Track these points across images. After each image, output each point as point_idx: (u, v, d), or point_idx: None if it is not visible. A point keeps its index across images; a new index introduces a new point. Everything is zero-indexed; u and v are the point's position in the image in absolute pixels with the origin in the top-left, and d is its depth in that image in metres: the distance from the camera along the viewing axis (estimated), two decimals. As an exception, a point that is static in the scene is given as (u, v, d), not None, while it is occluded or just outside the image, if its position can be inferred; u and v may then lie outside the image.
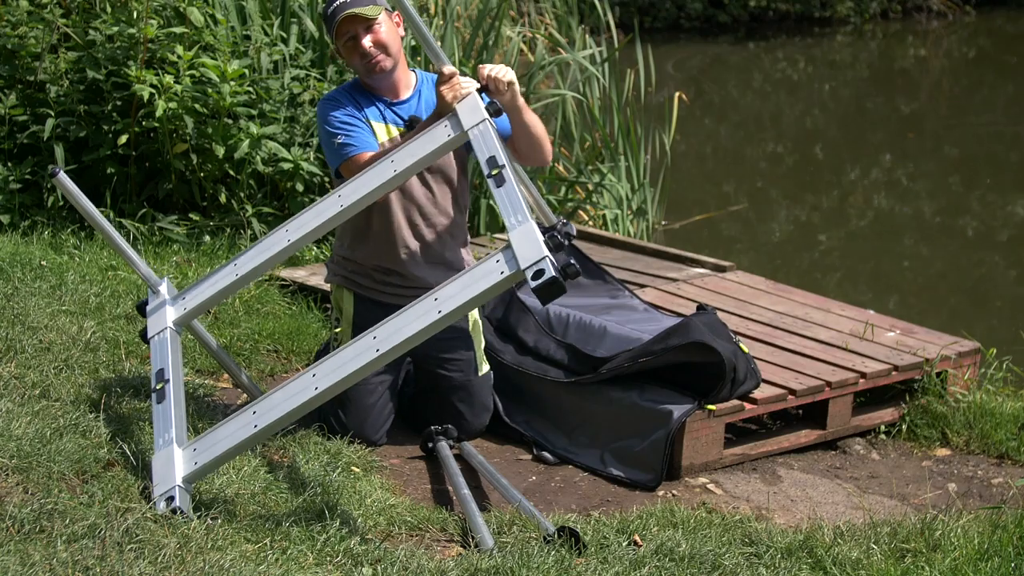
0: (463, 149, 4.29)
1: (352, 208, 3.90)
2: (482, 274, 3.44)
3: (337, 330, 4.38)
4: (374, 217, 4.24)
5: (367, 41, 4.13)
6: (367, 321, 4.22)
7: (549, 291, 3.31)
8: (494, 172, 3.66)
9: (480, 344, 4.40)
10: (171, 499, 3.36)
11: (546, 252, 3.34)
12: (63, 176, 3.90)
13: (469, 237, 4.58)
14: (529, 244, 3.38)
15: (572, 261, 3.38)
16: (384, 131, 4.24)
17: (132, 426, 3.82)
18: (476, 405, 4.35)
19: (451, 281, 3.47)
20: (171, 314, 3.97)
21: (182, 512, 3.31)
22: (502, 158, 3.70)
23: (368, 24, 4.12)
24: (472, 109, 3.93)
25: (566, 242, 3.49)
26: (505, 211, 3.54)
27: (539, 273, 3.31)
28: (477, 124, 3.86)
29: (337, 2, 4.13)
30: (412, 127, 4.21)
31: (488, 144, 3.79)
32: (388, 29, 4.17)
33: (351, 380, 3.46)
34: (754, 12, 19.50)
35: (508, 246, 3.42)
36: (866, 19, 19.91)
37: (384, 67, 4.18)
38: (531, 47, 8.84)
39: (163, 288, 4.06)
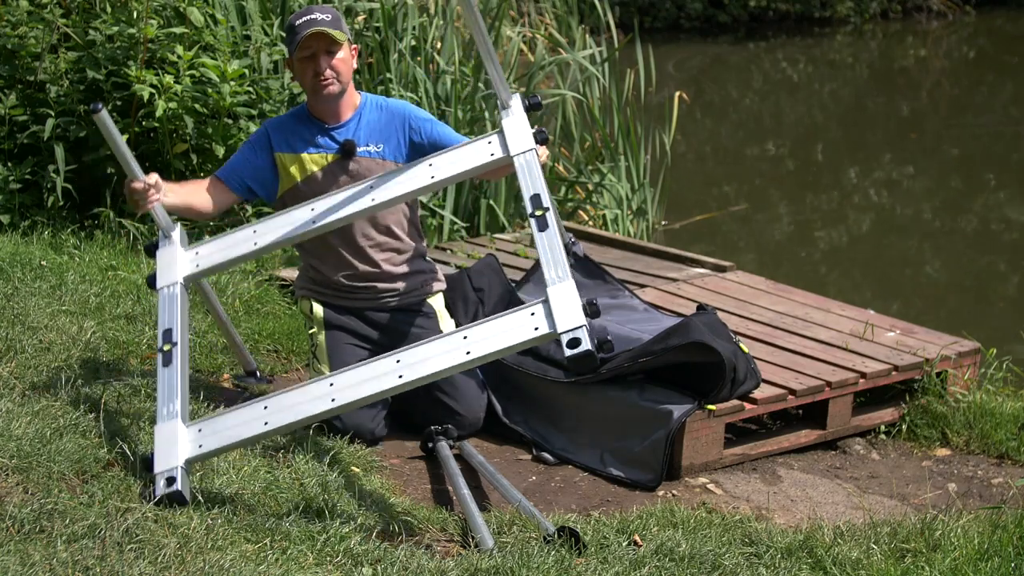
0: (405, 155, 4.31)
1: (382, 205, 3.92)
2: (515, 324, 3.39)
3: (312, 331, 4.44)
4: (318, 241, 4.30)
5: (324, 62, 4.19)
6: (338, 319, 4.37)
7: (582, 362, 3.28)
8: (538, 213, 3.58)
9: None
10: (172, 480, 3.35)
11: (584, 321, 3.29)
12: (105, 114, 3.82)
13: (425, 240, 4.58)
14: (569, 307, 3.33)
15: (608, 338, 3.35)
16: (315, 160, 4.29)
17: (132, 426, 3.82)
18: (462, 399, 4.35)
19: (484, 323, 3.45)
20: (182, 268, 3.93)
21: (180, 496, 3.30)
22: (547, 199, 3.61)
23: (330, 46, 4.18)
24: (521, 133, 3.82)
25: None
26: (545, 261, 3.47)
27: (575, 342, 3.27)
28: (524, 152, 3.78)
29: (305, 17, 4.19)
30: (346, 152, 4.26)
31: (533, 178, 3.70)
32: (345, 57, 4.24)
33: (369, 400, 3.46)
34: (754, 12, 19.50)
35: (546, 301, 3.37)
36: (866, 19, 19.91)
37: (332, 91, 4.24)
38: (531, 47, 8.84)
39: (175, 234, 4.02)
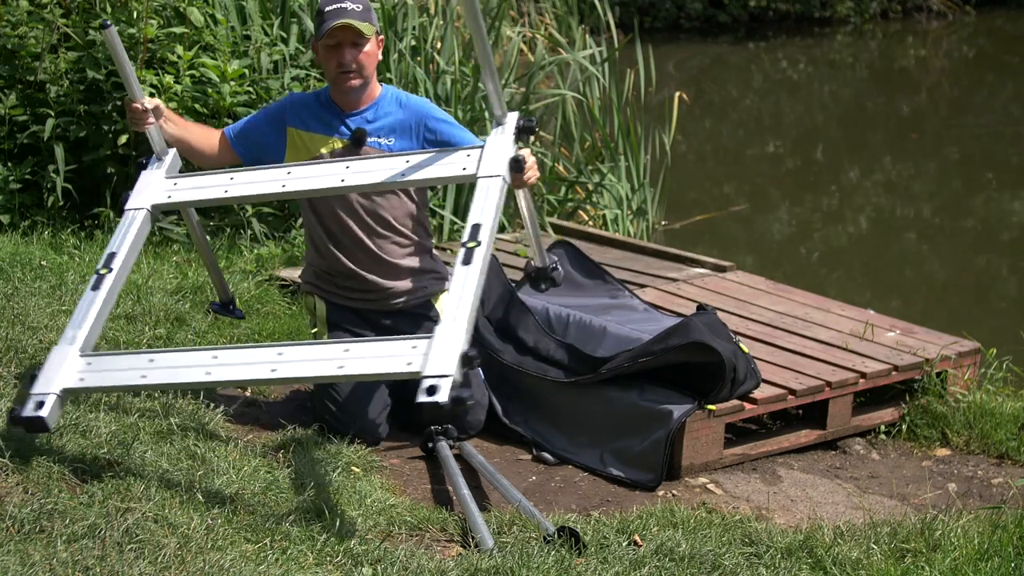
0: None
1: (349, 188, 3.89)
2: (394, 353, 3.26)
3: (314, 330, 4.45)
4: (318, 230, 4.32)
5: (349, 55, 4.19)
6: (339, 319, 4.36)
7: (429, 411, 3.08)
8: (470, 245, 3.38)
9: None
10: (41, 404, 3.32)
11: (454, 373, 3.09)
12: (113, 31, 3.83)
13: (432, 239, 4.55)
14: (447, 353, 3.14)
15: (465, 396, 3.13)
16: (326, 144, 4.29)
17: (132, 425, 3.82)
18: None
19: (369, 341, 3.40)
20: (154, 195, 3.89)
21: (42, 423, 3.27)
22: (487, 234, 3.39)
23: (357, 39, 4.18)
24: (498, 157, 3.65)
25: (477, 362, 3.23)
26: (452, 297, 3.29)
27: (433, 389, 3.07)
28: (490, 176, 3.61)
29: (335, 5, 4.16)
30: (357, 140, 4.26)
31: (486, 207, 3.49)
32: (371, 50, 4.24)
33: (241, 383, 3.45)
34: (754, 12, 19.51)
35: (430, 338, 3.21)
36: (866, 19, 19.91)
37: (353, 85, 4.24)
38: (531, 47, 8.84)
39: (167, 159, 4.01)
